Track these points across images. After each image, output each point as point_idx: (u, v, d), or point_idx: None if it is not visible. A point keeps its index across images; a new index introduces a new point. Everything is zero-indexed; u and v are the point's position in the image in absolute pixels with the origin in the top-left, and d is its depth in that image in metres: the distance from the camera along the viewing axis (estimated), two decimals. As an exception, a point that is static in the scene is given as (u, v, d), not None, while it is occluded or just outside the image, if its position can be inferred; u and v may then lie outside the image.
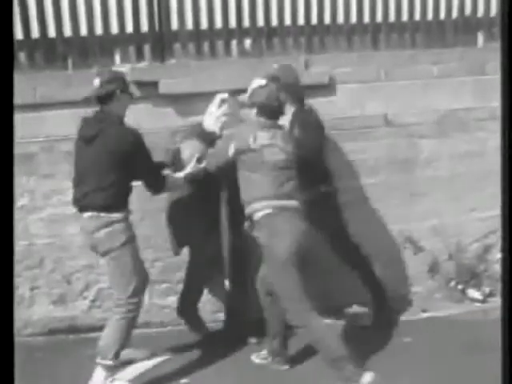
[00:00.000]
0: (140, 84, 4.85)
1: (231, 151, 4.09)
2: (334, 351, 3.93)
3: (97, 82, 4.07)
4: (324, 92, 5.13)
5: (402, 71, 5.26)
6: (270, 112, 4.18)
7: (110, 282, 4.25)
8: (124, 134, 4.04)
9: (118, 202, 4.06)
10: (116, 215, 4.02)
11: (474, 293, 5.38)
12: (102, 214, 4.00)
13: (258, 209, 4.03)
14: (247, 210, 4.09)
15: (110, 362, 4.01)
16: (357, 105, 5.21)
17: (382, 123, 5.26)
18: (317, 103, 5.08)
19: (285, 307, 4.01)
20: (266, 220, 4.02)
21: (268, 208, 4.00)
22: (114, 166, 3.99)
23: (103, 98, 4.07)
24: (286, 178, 4.08)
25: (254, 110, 4.19)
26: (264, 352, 4.45)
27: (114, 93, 4.07)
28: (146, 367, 4.49)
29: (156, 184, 4.21)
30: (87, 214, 4.05)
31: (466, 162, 5.39)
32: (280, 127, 4.25)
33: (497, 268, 5.35)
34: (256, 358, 4.48)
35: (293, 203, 4.06)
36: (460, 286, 5.42)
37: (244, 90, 4.77)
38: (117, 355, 4.03)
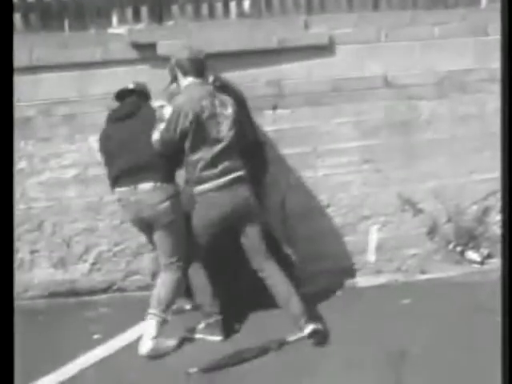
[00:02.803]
0: (138, 46, 4.80)
1: (183, 124, 4.12)
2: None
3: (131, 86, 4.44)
4: (323, 53, 5.08)
5: (403, 32, 5.18)
6: (196, 68, 4.25)
7: (162, 251, 4.31)
8: None
9: (173, 173, 4.23)
10: (176, 187, 4.19)
11: (472, 254, 5.40)
12: (165, 185, 4.11)
13: (198, 191, 4.20)
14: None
15: (162, 316, 4.16)
16: (356, 66, 5.15)
17: (382, 84, 5.21)
18: (316, 64, 5.06)
19: None
20: (202, 199, 4.21)
21: (205, 189, 4.18)
22: None
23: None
24: (225, 153, 4.18)
25: (182, 76, 4.29)
26: (202, 324, 4.40)
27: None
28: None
29: None
30: (146, 185, 4.10)
31: (466, 124, 5.36)
32: (213, 92, 4.26)
33: (495, 230, 5.37)
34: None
35: (230, 177, 4.18)
36: (459, 248, 5.44)
37: (242, 52, 4.75)
38: (169, 310, 4.20)
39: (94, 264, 5.10)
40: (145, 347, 4.11)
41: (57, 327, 4.58)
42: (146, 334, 4.14)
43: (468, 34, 5.25)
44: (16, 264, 4.83)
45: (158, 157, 4.14)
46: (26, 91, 4.69)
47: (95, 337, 4.42)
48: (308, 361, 3.99)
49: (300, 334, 4.19)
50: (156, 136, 4.16)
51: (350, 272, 5.27)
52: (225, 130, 4.20)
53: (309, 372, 3.86)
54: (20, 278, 4.79)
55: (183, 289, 4.37)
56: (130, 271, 5.12)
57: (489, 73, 5.19)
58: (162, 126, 4.17)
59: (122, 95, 4.42)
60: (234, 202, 4.22)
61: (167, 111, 4.22)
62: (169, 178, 4.18)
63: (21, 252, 4.97)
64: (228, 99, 4.30)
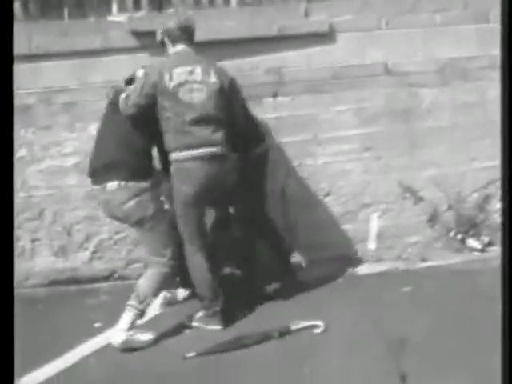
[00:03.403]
0: (138, 33, 4.79)
1: (148, 89, 4.05)
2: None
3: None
4: (324, 40, 5.06)
5: (404, 19, 5.16)
6: (185, 35, 4.21)
7: (145, 249, 4.31)
8: None
9: (144, 170, 4.11)
10: (144, 184, 4.07)
11: (473, 242, 5.40)
12: (130, 184, 4.03)
13: (173, 159, 4.12)
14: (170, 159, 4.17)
15: (140, 308, 4.10)
16: (357, 53, 5.13)
17: (383, 72, 5.20)
18: (316, 52, 5.04)
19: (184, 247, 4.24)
20: (176, 169, 4.11)
21: (179, 158, 4.09)
22: (139, 133, 4.12)
23: None
24: (202, 121, 4.07)
25: (170, 44, 4.24)
26: (200, 314, 4.37)
27: None
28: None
29: None
30: (113, 184, 4.03)
31: (467, 112, 5.34)
32: (200, 60, 4.17)
33: (496, 218, 5.36)
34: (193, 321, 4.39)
35: (208, 151, 4.08)
36: (459, 236, 5.44)
37: (243, 40, 4.73)
38: (146, 303, 4.14)
39: (94, 252, 5.11)
40: (117, 339, 4.05)
41: (58, 315, 4.58)
42: (120, 325, 4.07)
43: (469, 21, 5.22)
44: (17, 252, 4.85)
45: (127, 154, 4.06)
46: (26, 79, 4.69)
47: (96, 325, 4.42)
48: (307, 348, 3.99)
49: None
50: (123, 95, 4.13)
51: (351, 260, 5.28)
52: (202, 96, 4.07)
53: (308, 359, 3.87)
54: (21, 267, 4.81)
55: (167, 283, 4.35)
56: (131, 259, 5.13)
57: (490, 60, 5.16)
58: (132, 87, 4.15)
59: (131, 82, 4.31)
60: (209, 177, 4.11)
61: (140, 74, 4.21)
62: (136, 175, 4.05)
63: (21, 240, 4.98)
64: (217, 70, 4.18)
